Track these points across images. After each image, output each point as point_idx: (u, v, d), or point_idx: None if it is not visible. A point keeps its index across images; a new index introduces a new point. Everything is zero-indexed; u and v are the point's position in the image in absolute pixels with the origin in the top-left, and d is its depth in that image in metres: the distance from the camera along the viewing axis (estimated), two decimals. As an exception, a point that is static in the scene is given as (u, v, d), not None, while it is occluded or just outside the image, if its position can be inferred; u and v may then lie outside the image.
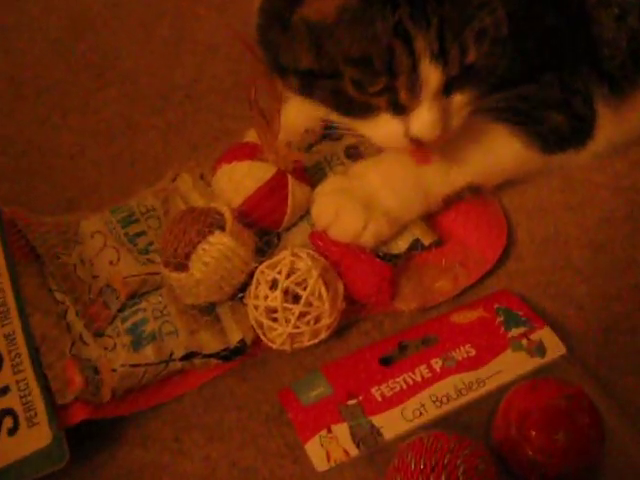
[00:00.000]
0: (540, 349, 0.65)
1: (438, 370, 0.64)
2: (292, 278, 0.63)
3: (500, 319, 0.68)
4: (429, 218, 0.72)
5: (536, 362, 0.64)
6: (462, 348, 0.66)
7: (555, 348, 0.65)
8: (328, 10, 0.60)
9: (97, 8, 1.00)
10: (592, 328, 0.68)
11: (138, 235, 0.71)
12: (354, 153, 0.75)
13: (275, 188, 0.68)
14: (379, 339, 0.68)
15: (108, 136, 0.87)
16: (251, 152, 0.69)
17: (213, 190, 0.70)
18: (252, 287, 0.64)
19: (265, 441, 0.63)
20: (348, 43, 0.59)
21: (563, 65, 0.73)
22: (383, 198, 0.68)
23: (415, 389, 0.63)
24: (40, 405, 0.60)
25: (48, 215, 0.75)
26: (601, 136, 0.75)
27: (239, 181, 0.67)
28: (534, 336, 0.66)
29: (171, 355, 0.65)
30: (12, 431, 0.60)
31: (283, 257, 0.64)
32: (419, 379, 0.64)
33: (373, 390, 0.63)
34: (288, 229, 0.70)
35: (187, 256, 0.64)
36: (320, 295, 0.63)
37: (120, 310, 0.66)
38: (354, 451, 0.59)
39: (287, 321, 0.63)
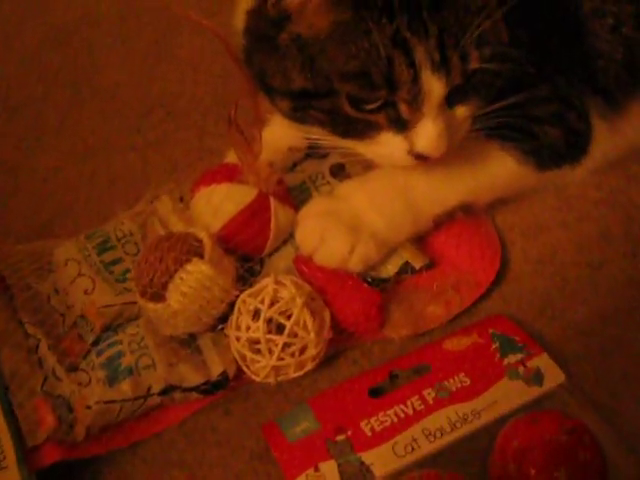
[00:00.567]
0: (538, 377, 0.62)
1: (431, 401, 0.61)
2: (275, 307, 0.60)
3: (495, 345, 0.65)
4: (419, 240, 0.69)
5: (534, 391, 0.61)
6: (456, 377, 0.63)
7: (553, 375, 0.62)
8: (321, 25, 0.58)
9: (73, 22, 0.97)
10: (591, 352, 0.65)
11: (114, 262, 0.68)
12: (340, 172, 0.72)
13: (257, 211, 0.65)
14: (368, 368, 0.65)
15: (84, 156, 0.84)
16: (231, 174, 0.66)
17: (191, 214, 0.67)
18: (233, 317, 0.61)
19: (249, 480, 0.60)
20: (343, 58, 0.57)
21: (557, 78, 0.70)
22: (370, 220, 0.65)
23: (407, 422, 0.60)
24: (9, 447, 0.57)
25: (20, 241, 0.72)
26: (597, 151, 0.72)
27: (218, 205, 0.64)
28: (531, 363, 0.63)
29: (149, 390, 0.61)
30: (-22, 476, 0.56)
31: (265, 285, 0.61)
32: (411, 412, 0.60)
33: (362, 424, 0.60)
34: (271, 254, 0.67)
35: (164, 286, 0.60)
36: (305, 325, 0.60)
37: (95, 343, 0.63)
38: (343, 490, 0.56)
39: (271, 353, 0.60)
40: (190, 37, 0.94)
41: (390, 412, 0.61)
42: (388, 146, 0.61)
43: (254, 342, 0.60)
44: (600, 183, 0.76)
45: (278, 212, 0.66)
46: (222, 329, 0.63)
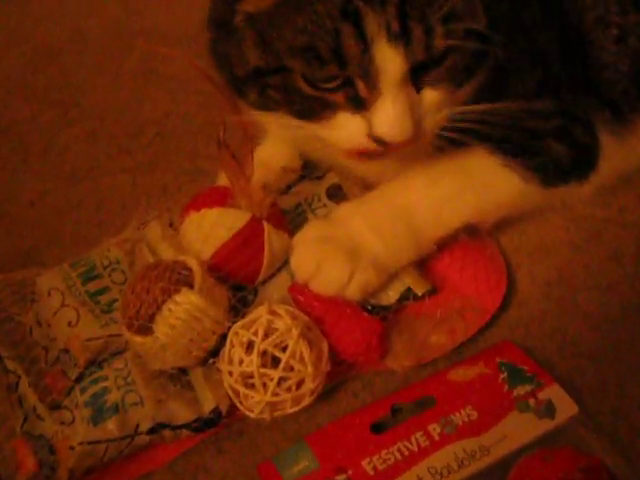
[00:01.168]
0: (549, 409, 0.59)
1: (436, 437, 0.58)
2: (270, 339, 0.56)
3: (503, 375, 0.61)
4: (421, 264, 0.66)
5: (545, 425, 0.58)
6: (462, 411, 0.59)
7: (566, 407, 0.59)
8: None
9: (61, 41, 0.94)
10: (606, 381, 0.62)
11: (100, 292, 0.64)
12: (337, 194, 0.69)
13: (249, 237, 0.62)
14: (370, 402, 0.62)
15: (71, 179, 0.81)
16: (222, 197, 0.63)
17: (181, 240, 0.64)
18: (225, 350, 0.58)
19: (243, 525, 0.56)
20: (290, 32, 0.53)
21: (559, 90, 0.67)
22: (370, 244, 0.62)
23: (411, 460, 0.56)
24: (-14, 494, 0.53)
25: (3, 269, 0.69)
26: (605, 166, 0.69)
27: (209, 230, 0.61)
28: (542, 394, 0.59)
29: (137, 428, 0.58)
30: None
31: (259, 315, 0.57)
32: (415, 448, 0.57)
33: (364, 463, 0.56)
34: (264, 282, 0.64)
35: (151, 318, 0.57)
36: (302, 357, 0.56)
37: (79, 378, 0.60)
38: (344, 536, 0.53)
39: (265, 388, 0.56)
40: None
41: (393, 449, 0.57)
42: (345, 128, 0.56)
43: (248, 376, 0.56)
44: (609, 202, 0.73)
45: (272, 237, 0.62)
46: (214, 363, 0.59)
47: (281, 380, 0.56)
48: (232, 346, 0.57)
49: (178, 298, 0.57)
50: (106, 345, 0.60)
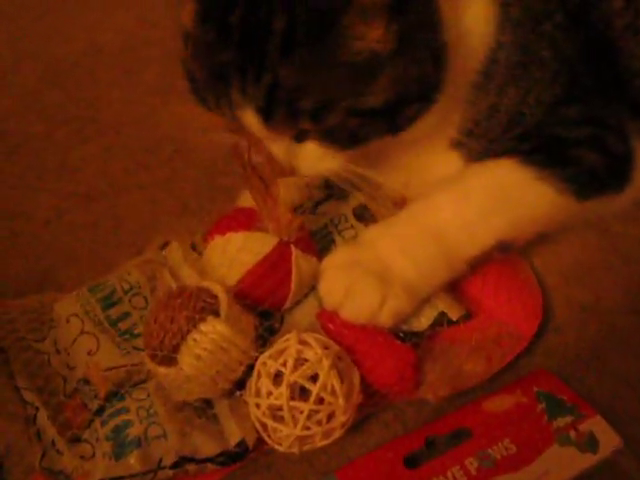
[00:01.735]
0: (592, 442, 0.56)
1: (474, 472, 0.55)
2: (300, 371, 0.53)
3: (542, 406, 0.58)
4: (452, 289, 0.63)
5: (588, 459, 0.55)
6: (500, 444, 0.56)
7: (609, 440, 0.56)
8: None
9: (76, 55, 0.92)
10: (649, 410, 0.59)
11: (121, 318, 0.62)
12: (364, 214, 0.66)
13: (277, 262, 0.59)
14: (401, 432, 0.59)
15: (88, 198, 0.79)
16: (247, 220, 0.61)
17: (204, 265, 0.61)
18: (252, 382, 0.55)
19: None
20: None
21: (587, 97, 0.65)
22: (401, 268, 0.59)
23: (448, 497, 0.54)
24: (3, 535, 0.51)
25: (19, 291, 0.67)
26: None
27: (234, 255, 0.59)
28: (583, 427, 0.57)
29: (160, 463, 0.55)
30: None
31: (288, 345, 0.55)
32: (452, 484, 0.54)
33: (399, 500, 0.54)
34: (291, 309, 0.61)
35: (175, 348, 0.54)
36: (333, 389, 0.54)
37: (99, 410, 0.57)
38: None
39: (295, 421, 0.53)
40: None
41: (429, 485, 0.54)
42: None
43: (276, 409, 0.54)
44: (643, 220, 0.70)
45: (300, 262, 0.60)
46: (240, 395, 0.57)
47: (311, 413, 0.53)
48: (259, 377, 0.55)
49: (204, 327, 0.54)
50: (128, 375, 0.58)
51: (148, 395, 0.57)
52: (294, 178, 0.66)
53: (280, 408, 0.54)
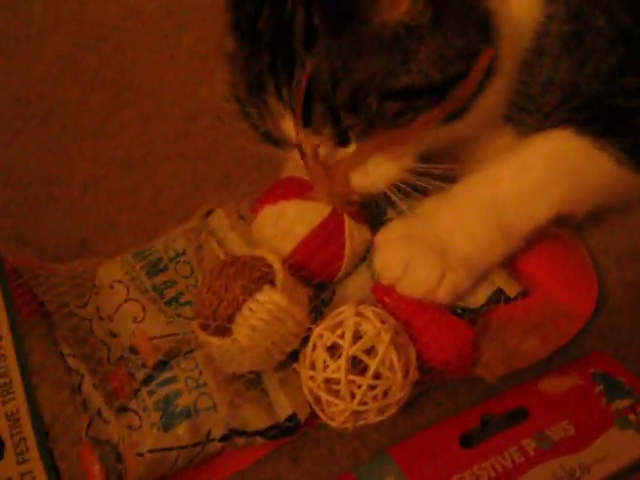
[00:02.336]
0: (652, 426, 0.54)
1: (532, 453, 0.53)
2: (358, 344, 0.52)
3: (599, 388, 0.57)
4: (507, 265, 0.61)
5: (648, 443, 0.53)
6: (558, 425, 0.55)
7: (669, 424, 0.54)
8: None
9: (113, 18, 0.89)
10: None
11: (167, 286, 0.60)
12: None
13: (330, 233, 0.57)
14: (454, 411, 0.58)
15: (126, 165, 0.76)
16: (299, 189, 0.59)
17: (254, 236, 0.59)
18: (307, 354, 0.53)
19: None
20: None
21: None
22: (458, 243, 0.57)
23: (506, 477, 0.52)
24: (51, 505, 0.50)
25: (56, 260, 0.64)
26: None
27: (287, 226, 0.57)
28: (643, 410, 0.55)
29: (208, 435, 0.54)
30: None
31: (345, 317, 0.53)
32: (510, 465, 0.53)
33: (455, 479, 0.52)
34: (342, 280, 0.59)
35: (230, 318, 0.52)
36: (392, 364, 0.52)
37: (147, 380, 0.55)
38: None
39: (352, 396, 0.52)
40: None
41: (486, 465, 0.53)
42: None
43: (332, 383, 0.52)
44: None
45: (353, 233, 0.58)
46: (293, 367, 0.55)
47: (368, 388, 0.52)
48: (315, 349, 0.53)
49: (260, 297, 0.52)
50: (178, 345, 0.56)
51: (196, 365, 0.56)
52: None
53: (337, 381, 0.52)
